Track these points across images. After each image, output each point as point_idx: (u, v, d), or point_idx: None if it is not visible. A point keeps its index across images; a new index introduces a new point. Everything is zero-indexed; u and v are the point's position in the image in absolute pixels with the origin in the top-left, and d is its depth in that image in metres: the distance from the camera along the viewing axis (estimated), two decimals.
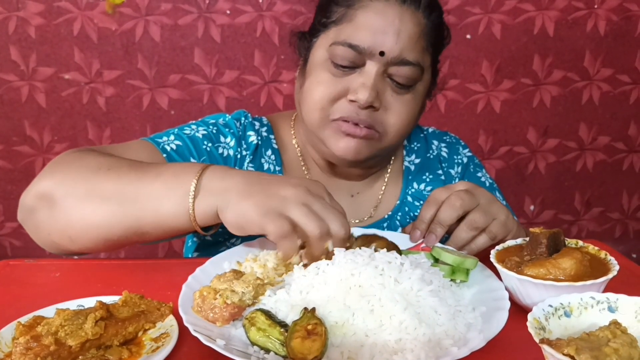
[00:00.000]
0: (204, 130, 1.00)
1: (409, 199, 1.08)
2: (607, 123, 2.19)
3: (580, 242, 0.75)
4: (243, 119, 1.05)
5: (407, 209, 1.07)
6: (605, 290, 0.65)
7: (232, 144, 1.01)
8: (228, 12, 1.94)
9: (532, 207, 2.27)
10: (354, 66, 0.89)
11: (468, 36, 2.03)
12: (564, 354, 0.49)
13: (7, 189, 2.04)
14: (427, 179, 1.10)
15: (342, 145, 0.91)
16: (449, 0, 1.98)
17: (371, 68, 0.88)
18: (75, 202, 0.77)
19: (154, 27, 1.92)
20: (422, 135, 1.16)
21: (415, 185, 1.09)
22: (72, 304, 0.66)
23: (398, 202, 1.08)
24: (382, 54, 0.87)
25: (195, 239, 1.08)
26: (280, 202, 0.69)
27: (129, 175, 0.77)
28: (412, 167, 1.11)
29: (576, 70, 2.11)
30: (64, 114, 1.99)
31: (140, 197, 0.75)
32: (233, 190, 0.71)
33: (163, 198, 0.74)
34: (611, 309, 0.59)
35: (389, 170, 1.10)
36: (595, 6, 2.04)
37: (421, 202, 1.08)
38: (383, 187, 1.09)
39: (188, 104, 2.01)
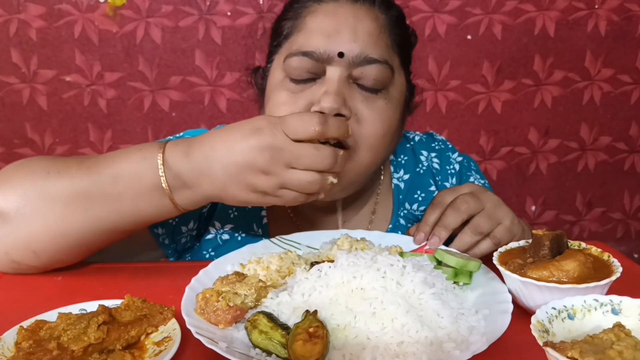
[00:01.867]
0: None
1: (402, 221, 1.00)
2: (608, 123, 2.18)
3: (583, 244, 0.75)
4: None
5: (399, 232, 0.98)
6: (608, 293, 0.64)
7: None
8: (229, 13, 1.94)
9: (533, 208, 2.27)
10: (313, 77, 0.82)
11: (469, 37, 2.03)
12: (567, 357, 0.48)
13: None
14: (420, 198, 1.01)
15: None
16: (450, 1, 1.98)
17: (332, 73, 0.80)
18: (34, 214, 0.72)
19: (154, 29, 1.92)
20: (408, 146, 1.06)
21: (407, 205, 1.01)
22: (75, 308, 0.66)
23: (390, 226, 1.00)
24: (341, 55, 0.79)
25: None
26: (264, 183, 0.68)
27: (88, 177, 0.72)
28: (402, 185, 1.02)
29: (577, 71, 2.10)
30: (65, 117, 1.99)
31: (111, 201, 0.72)
32: (210, 176, 0.69)
33: (137, 200, 0.72)
34: (615, 312, 0.59)
35: (378, 191, 1.01)
36: (596, 6, 2.04)
37: (414, 223, 0.97)
38: (372, 212, 1.01)
39: (189, 105, 2.01)
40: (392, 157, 1.04)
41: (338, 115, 0.78)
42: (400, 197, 1.01)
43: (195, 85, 1.99)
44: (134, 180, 0.71)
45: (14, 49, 1.90)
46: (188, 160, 0.69)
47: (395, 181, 1.02)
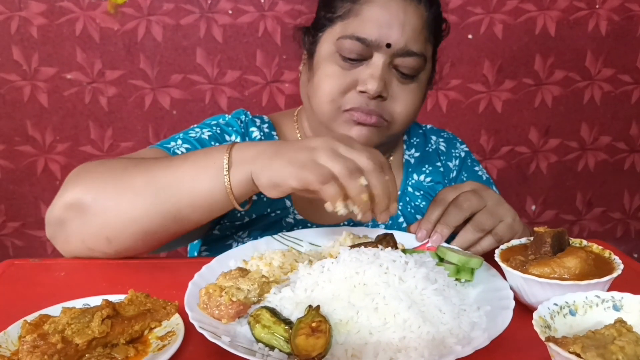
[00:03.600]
0: (209, 131, 1.02)
1: (409, 189, 1.12)
2: (608, 123, 2.19)
3: (585, 242, 0.76)
4: (244, 116, 1.07)
5: (407, 198, 1.10)
6: (609, 289, 0.65)
7: (237, 141, 1.02)
8: (230, 12, 1.94)
9: (533, 207, 2.27)
10: (361, 58, 0.92)
11: (470, 36, 2.03)
12: (570, 352, 0.49)
13: (9, 189, 2.04)
14: (427, 171, 1.14)
15: (354, 133, 0.94)
16: (450, 0, 1.98)
17: (378, 60, 0.91)
18: (109, 201, 0.78)
19: (156, 27, 1.93)
20: (420, 131, 1.20)
21: (415, 176, 1.13)
22: (78, 303, 0.66)
23: (399, 192, 1.10)
24: (388, 46, 0.90)
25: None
26: (309, 152, 0.71)
27: (157, 165, 0.80)
28: (412, 160, 1.14)
29: (577, 70, 2.11)
30: (66, 114, 1.99)
31: (174, 182, 0.77)
32: (264, 154, 0.74)
33: (197, 177, 0.76)
34: (616, 308, 0.59)
35: (390, 162, 1.12)
36: (597, 6, 2.04)
37: (421, 192, 1.11)
38: None
39: (190, 104, 2.01)
40: (406, 138, 1.18)
41: (379, 97, 0.92)
42: (410, 169, 1.14)
43: (196, 83, 1.99)
44: (200, 158, 0.78)
45: (15, 47, 1.91)
46: (248, 147, 0.77)
47: (406, 157, 1.15)
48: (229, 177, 0.75)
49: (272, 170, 0.72)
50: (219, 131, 1.03)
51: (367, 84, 0.90)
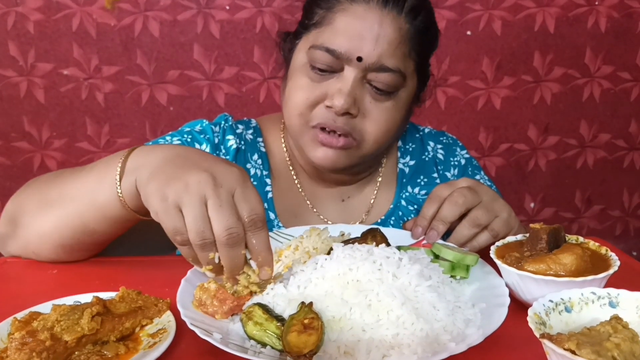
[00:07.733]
0: (178, 140, 0.97)
1: (403, 203, 1.05)
2: (607, 120, 2.18)
3: (581, 238, 0.75)
4: (223, 122, 1.02)
5: (400, 213, 1.04)
6: (606, 286, 0.64)
7: (207, 150, 0.97)
8: (227, 7, 1.93)
9: (532, 205, 2.26)
10: (332, 71, 0.87)
11: (468, 32, 2.02)
12: (564, 349, 0.48)
13: (6, 186, 2.03)
14: (422, 183, 1.07)
15: (320, 154, 0.90)
16: None
17: (349, 74, 0.86)
18: (30, 216, 0.80)
19: (153, 22, 1.91)
20: (417, 135, 1.12)
21: (409, 189, 1.06)
22: (69, 300, 0.65)
23: (391, 206, 1.04)
24: (359, 59, 0.84)
25: None
26: (179, 191, 0.61)
27: (71, 177, 0.79)
28: (407, 170, 1.08)
29: (577, 67, 2.10)
30: (63, 110, 1.98)
31: (78, 194, 0.76)
32: (147, 166, 0.67)
33: (97, 189, 0.74)
34: (612, 304, 0.59)
35: (381, 173, 1.07)
36: (596, 3, 2.03)
37: (415, 206, 1.05)
38: (375, 191, 1.06)
39: (187, 100, 2.00)
40: (400, 143, 1.10)
41: (346, 114, 0.86)
42: (404, 180, 1.07)
43: (193, 79, 1.98)
44: (102, 167, 0.75)
45: (11, 42, 1.89)
46: (145, 153, 0.71)
47: (400, 166, 1.08)
48: (120, 187, 0.70)
49: (144, 192, 0.65)
50: (189, 139, 0.97)
51: (334, 99, 0.85)
